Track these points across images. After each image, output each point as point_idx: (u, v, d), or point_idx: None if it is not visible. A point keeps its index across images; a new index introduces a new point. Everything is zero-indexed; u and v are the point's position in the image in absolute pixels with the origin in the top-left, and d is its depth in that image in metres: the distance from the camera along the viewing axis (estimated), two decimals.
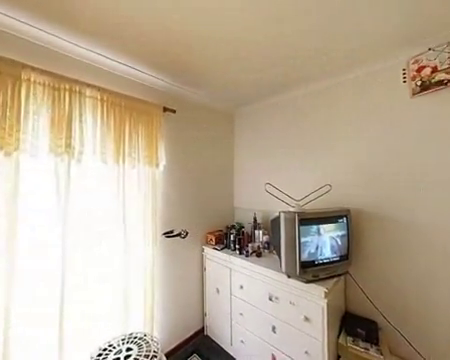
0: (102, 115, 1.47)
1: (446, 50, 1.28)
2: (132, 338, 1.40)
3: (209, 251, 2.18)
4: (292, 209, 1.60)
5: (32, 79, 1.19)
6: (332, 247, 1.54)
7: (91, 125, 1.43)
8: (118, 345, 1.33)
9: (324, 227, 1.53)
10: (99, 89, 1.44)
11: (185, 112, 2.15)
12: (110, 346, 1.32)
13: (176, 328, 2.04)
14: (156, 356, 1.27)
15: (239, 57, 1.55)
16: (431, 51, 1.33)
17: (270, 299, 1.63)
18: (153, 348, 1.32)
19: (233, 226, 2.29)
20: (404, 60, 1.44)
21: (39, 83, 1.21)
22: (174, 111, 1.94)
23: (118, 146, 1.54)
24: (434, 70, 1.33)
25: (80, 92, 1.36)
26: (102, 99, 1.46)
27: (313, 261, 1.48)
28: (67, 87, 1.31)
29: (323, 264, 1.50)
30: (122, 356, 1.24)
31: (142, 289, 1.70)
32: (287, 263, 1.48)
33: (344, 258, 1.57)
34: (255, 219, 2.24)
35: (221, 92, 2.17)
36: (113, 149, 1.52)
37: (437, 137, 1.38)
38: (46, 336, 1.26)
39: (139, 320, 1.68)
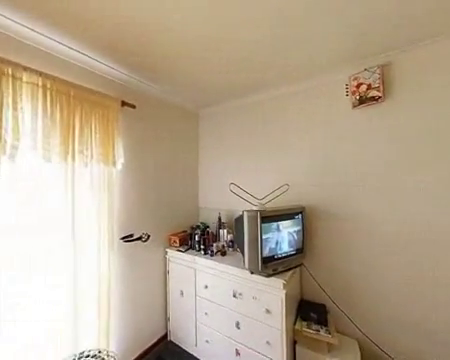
0: (44, 105, 1.26)
1: (377, 72, 1.54)
2: (83, 357, 1.26)
3: (173, 253, 2.11)
4: (255, 208, 1.68)
5: None
6: (289, 242, 1.68)
7: (30, 116, 1.22)
8: None
9: (283, 224, 1.65)
10: (40, 74, 1.24)
11: (147, 108, 2.03)
12: None
13: (137, 338, 1.91)
14: None
15: (201, 58, 1.55)
16: (366, 71, 1.57)
17: (234, 296, 1.68)
18: None
19: (198, 226, 2.27)
20: (347, 76, 1.67)
21: None
22: (134, 106, 1.82)
23: (66, 142, 1.36)
24: (369, 87, 1.58)
25: (14, 76, 1.15)
26: (44, 86, 1.26)
27: (273, 256, 1.58)
28: None
29: (282, 258, 1.62)
30: None
31: (96, 301, 1.54)
32: (250, 259, 1.55)
33: (299, 251, 1.72)
34: (220, 218, 2.27)
35: (185, 91, 2.13)
36: (59, 145, 1.33)
37: (371, 143, 1.64)
38: None
39: (93, 335, 1.52)
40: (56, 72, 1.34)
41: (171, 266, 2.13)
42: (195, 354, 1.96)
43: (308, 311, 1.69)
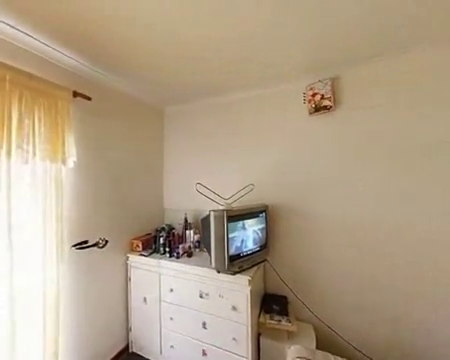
0: None
1: (329, 83, 1.72)
2: None
3: (135, 258, 1.98)
4: (221, 207, 1.70)
5: None
6: (254, 239, 1.75)
7: None
8: None
9: (248, 222, 1.71)
10: None
11: (106, 102, 1.86)
12: None
13: (93, 355, 1.73)
14: None
15: (165, 54, 1.49)
16: (320, 82, 1.75)
17: (201, 296, 1.67)
18: None
19: (163, 228, 2.18)
20: (304, 86, 1.83)
21: None
22: (89, 98, 1.64)
23: None
24: (322, 97, 1.76)
25: None
26: None
27: (239, 254, 1.63)
28: None
29: (247, 255, 1.68)
30: None
31: (41, 319, 1.34)
32: (217, 259, 1.56)
33: (263, 247, 1.81)
34: (186, 219, 2.22)
35: (150, 87, 2.02)
36: None
37: (325, 147, 1.83)
38: None
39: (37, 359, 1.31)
40: None
41: (133, 272, 1.99)
42: None
43: (271, 304, 1.79)
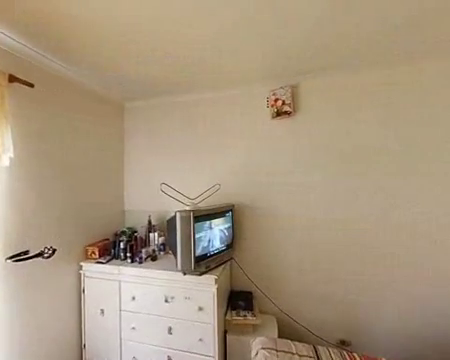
0: None
1: (289, 90, 1.87)
2: None
3: (90, 267, 1.79)
4: (187, 208, 1.67)
5: None
6: (221, 238, 1.77)
7: None
8: None
9: (215, 222, 1.73)
10: None
11: (54, 91, 1.63)
12: None
13: None
14: None
15: (122, 41, 1.37)
16: (281, 89, 1.89)
17: (166, 301, 1.61)
18: None
19: (123, 232, 2.03)
20: (268, 90, 1.94)
21: None
22: (31, 85, 1.41)
23: None
24: (283, 103, 1.89)
25: None
26: None
27: (206, 254, 1.62)
28: None
29: (214, 255, 1.69)
30: None
31: None
32: (183, 260, 1.52)
33: (230, 246, 1.85)
34: (150, 221, 2.11)
35: (107, 78, 1.85)
36: None
37: (285, 149, 1.97)
38: None
39: None
40: None
41: (88, 283, 1.79)
42: None
43: (237, 300, 1.83)
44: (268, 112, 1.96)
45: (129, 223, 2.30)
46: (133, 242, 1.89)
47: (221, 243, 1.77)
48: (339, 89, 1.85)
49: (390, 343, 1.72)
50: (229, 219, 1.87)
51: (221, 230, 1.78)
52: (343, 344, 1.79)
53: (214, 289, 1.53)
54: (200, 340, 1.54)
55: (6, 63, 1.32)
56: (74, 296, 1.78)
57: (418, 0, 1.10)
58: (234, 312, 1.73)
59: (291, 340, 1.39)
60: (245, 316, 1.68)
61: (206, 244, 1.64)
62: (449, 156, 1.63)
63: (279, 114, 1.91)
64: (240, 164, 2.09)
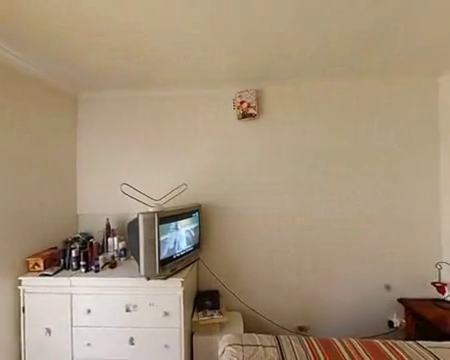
0: None
1: (254, 94, 1.94)
2: None
3: (31, 282, 1.53)
4: (151, 209, 1.58)
5: None
6: (187, 239, 1.74)
7: None
8: None
9: (181, 222, 1.68)
10: None
11: None
12: None
13: None
14: None
15: (72, 26, 1.23)
16: (247, 92, 1.95)
17: (127, 310, 1.49)
18: None
19: (76, 238, 1.81)
20: (235, 92, 1.98)
21: None
22: None
23: None
24: (248, 105, 1.96)
25: None
26: None
27: (172, 256, 1.57)
28: None
29: (180, 256, 1.64)
30: None
31: None
32: (146, 265, 1.44)
33: (197, 246, 1.83)
34: (108, 225, 1.94)
35: (54, 63, 1.62)
36: None
37: (250, 150, 2.05)
38: None
39: None
40: None
41: (29, 299, 1.53)
42: None
43: (204, 300, 1.82)
44: (234, 113, 2.00)
45: (83, 228, 2.06)
46: (88, 249, 1.70)
47: (188, 244, 1.73)
48: (300, 96, 2.02)
49: (341, 325, 1.95)
50: (196, 219, 1.85)
51: (188, 231, 1.75)
52: (301, 330, 1.95)
53: (180, 292, 1.49)
54: (166, 346, 1.47)
55: None
56: (11, 317, 1.51)
57: (369, 23, 1.25)
58: (201, 313, 1.71)
59: (256, 333, 1.45)
60: (212, 315, 1.68)
61: (172, 246, 1.58)
62: (384, 158, 1.94)
63: (245, 116, 1.97)
64: (207, 164, 2.08)
